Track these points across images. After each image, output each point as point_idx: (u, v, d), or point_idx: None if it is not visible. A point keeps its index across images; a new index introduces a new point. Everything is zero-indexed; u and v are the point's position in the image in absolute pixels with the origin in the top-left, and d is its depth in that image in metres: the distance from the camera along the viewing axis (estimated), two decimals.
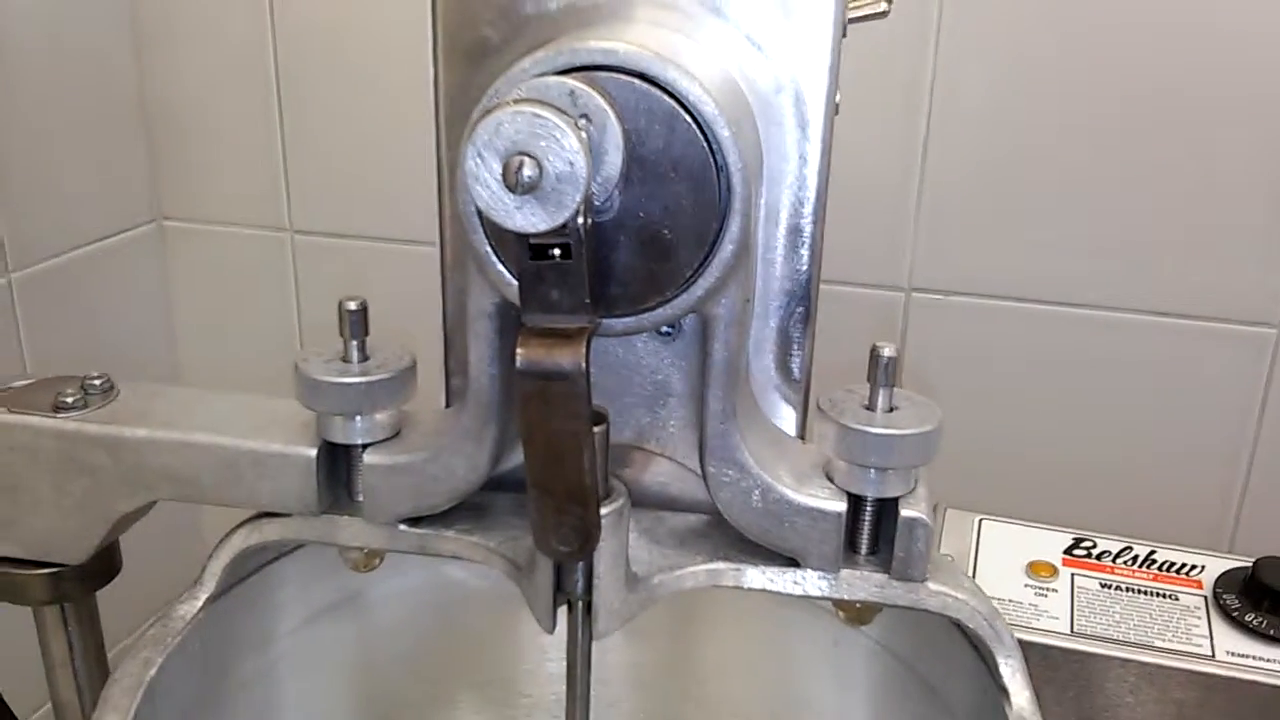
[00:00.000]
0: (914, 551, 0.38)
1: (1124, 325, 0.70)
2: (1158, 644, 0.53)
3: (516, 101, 0.30)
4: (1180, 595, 0.57)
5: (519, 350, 0.32)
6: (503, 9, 0.38)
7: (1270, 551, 0.57)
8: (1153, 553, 0.59)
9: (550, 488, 0.33)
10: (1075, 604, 0.55)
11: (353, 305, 0.40)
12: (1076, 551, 0.59)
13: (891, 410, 0.38)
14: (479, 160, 0.30)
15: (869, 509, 0.39)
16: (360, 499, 0.41)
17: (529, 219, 0.31)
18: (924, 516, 0.37)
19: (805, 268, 0.39)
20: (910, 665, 0.44)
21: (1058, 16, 0.66)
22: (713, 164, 0.33)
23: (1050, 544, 0.60)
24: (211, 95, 0.80)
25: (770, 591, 0.39)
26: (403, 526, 0.41)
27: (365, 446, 0.40)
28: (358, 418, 0.40)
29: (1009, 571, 0.57)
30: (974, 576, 0.54)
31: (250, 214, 0.77)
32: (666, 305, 0.35)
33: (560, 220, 0.30)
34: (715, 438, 0.37)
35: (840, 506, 0.38)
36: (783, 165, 0.39)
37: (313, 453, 0.40)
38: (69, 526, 0.42)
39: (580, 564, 0.37)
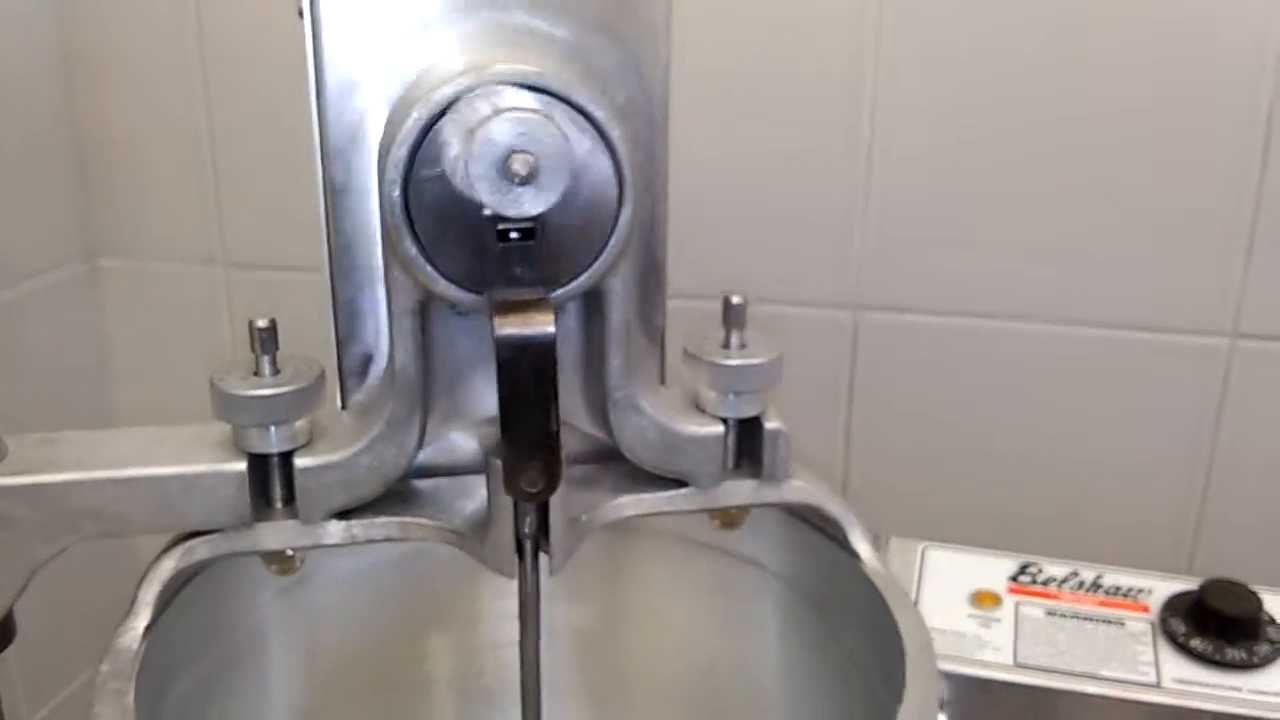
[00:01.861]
0: (778, 457, 0.47)
1: (1076, 339, 0.69)
2: (1103, 673, 0.52)
3: (506, 109, 0.35)
4: (1127, 621, 0.55)
5: (498, 321, 0.38)
6: (364, 44, 0.43)
7: (1232, 570, 0.56)
8: (1099, 576, 0.58)
9: (522, 438, 0.39)
10: (1019, 634, 0.54)
11: (263, 323, 0.43)
12: (1022, 578, 0.58)
13: (744, 346, 0.46)
14: (484, 161, 0.35)
15: (734, 430, 0.47)
16: (279, 505, 0.44)
17: (531, 204, 0.36)
18: (783, 428, 0.46)
19: (658, 238, 0.47)
20: (785, 579, 0.52)
21: (1005, 26, 0.66)
22: (610, 160, 0.40)
23: (995, 571, 0.58)
24: (143, 132, 0.77)
25: (668, 512, 0.46)
26: (333, 521, 0.44)
27: (289, 453, 0.43)
28: (281, 427, 0.43)
29: (952, 602, 0.56)
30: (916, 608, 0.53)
31: (184, 249, 0.73)
32: (574, 282, 0.42)
33: (553, 201, 0.36)
34: (618, 390, 0.44)
35: (720, 430, 0.46)
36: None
37: (243, 466, 0.42)
38: None
39: (532, 511, 0.42)
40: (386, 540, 0.44)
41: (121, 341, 0.84)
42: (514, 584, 0.44)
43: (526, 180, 0.35)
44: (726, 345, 0.46)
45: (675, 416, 0.46)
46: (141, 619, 0.42)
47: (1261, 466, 0.70)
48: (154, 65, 0.75)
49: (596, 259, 0.41)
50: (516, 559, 0.43)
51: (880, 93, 0.67)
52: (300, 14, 0.57)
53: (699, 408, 0.47)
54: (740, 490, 0.47)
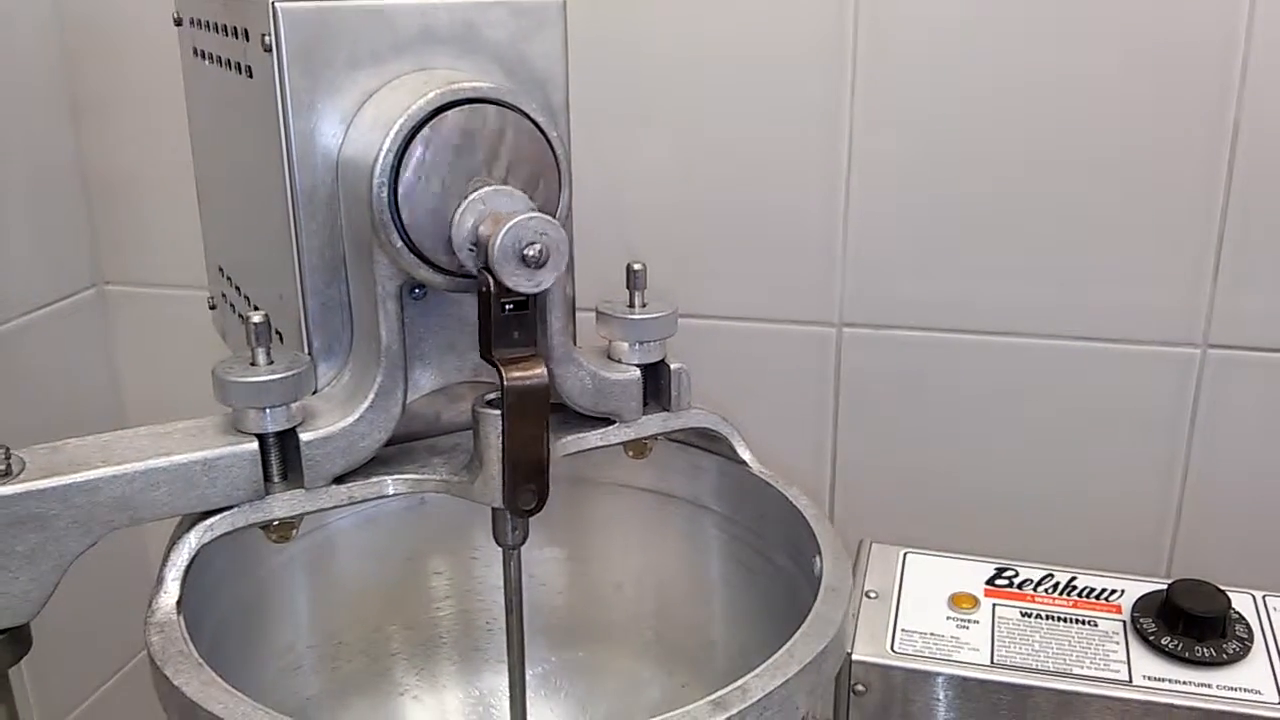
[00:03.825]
0: (683, 390, 0.57)
1: (1051, 351, 0.72)
2: (1076, 671, 0.54)
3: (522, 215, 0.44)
4: (1099, 621, 0.57)
5: (507, 373, 0.46)
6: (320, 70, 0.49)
7: (1208, 573, 0.58)
8: (1073, 579, 0.60)
9: (521, 465, 0.48)
10: (995, 635, 0.56)
11: (257, 318, 0.48)
12: (999, 581, 0.60)
13: (644, 305, 0.57)
14: (508, 251, 0.44)
15: (644, 373, 0.57)
16: (277, 479, 0.50)
17: (538, 282, 0.45)
18: (684, 367, 0.57)
19: (569, 224, 0.56)
20: (721, 513, 0.62)
21: (982, 46, 0.69)
22: (551, 154, 0.49)
23: (973, 575, 0.61)
24: (146, 165, 0.79)
25: (603, 445, 0.56)
26: (333, 486, 0.50)
27: (288, 430, 0.49)
28: (279, 408, 0.48)
29: (931, 605, 0.59)
30: (897, 611, 0.59)
31: (190, 275, 0.70)
32: None
33: (552, 281, 0.45)
34: (559, 348, 0.53)
35: (637, 373, 0.56)
36: None
37: (254, 445, 0.48)
38: (18, 587, 0.45)
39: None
40: (380, 498, 0.51)
41: (130, 363, 0.85)
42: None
43: (537, 264, 0.44)
44: (631, 305, 0.56)
45: (600, 366, 0.55)
46: (171, 595, 0.47)
47: (1234, 471, 0.73)
48: (156, 102, 0.77)
49: None
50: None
51: (858, 119, 0.72)
52: (177, 22, 0.62)
53: (611, 357, 0.57)
54: (653, 422, 0.57)
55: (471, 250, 0.46)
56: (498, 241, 0.44)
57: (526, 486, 0.48)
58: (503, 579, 0.54)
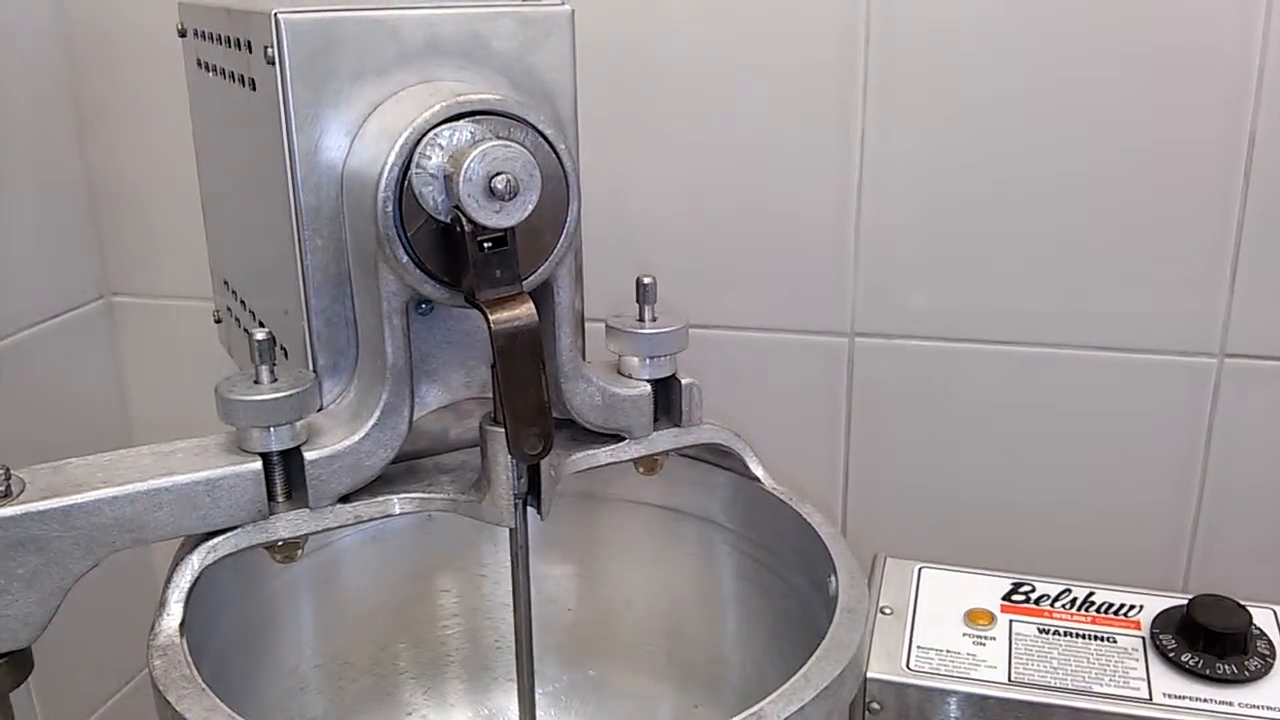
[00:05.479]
0: (694, 405, 0.56)
1: (1067, 362, 0.71)
2: (1095, 689, 0.53)
3: (493, 137, 0.42)
4: (1118, 637, 0.56)
5: (492, 316, 0.45)
6: (324, 83, 0.48)
7: (1226, 586, 0.57)
8: (1091, 594, 0.59)
9: (520, 409, 0.46)
10: (1013, 651, 0.56)
11: (261, 335, 0.47)
12: (1015, 597, 0.59)
13: (655, 319, 0.56)
14: (472, 184, 0.42)
15: (652, 388, 0.56)
16: (281, 499, 0.49)
17: (509, 217, 0.43)
18: (695, 381, 0.56)
19: (579, 237, 0.55)
20: (733, 530, 0.61)
21: (995, 52, 0.68)
22: (559, 166, 0.48)
23: (989, 590, 0.60)
24: (155, 170, 0.81)
25: (613, 462, 0.55)
26: (339, 505, 0.49)
27: (292, 450, 0.48)
28: (284, 427, 0.48)
29: (947, 621, 0.58)
30: (912, 628, 0.58)
31: (197, 286, 0.70)
32: (536, 273, 0.49)
33: (526, 215, 0.44)
34: (569, 364, 0.52)
35: (647, 389, 0.55)
36: None
37: (258, 465, 0.47)
38: (18, 610, 0.44)
39: (525, 472, 0.49)
40: (385, 517, 0.50)
41: (137, 374, 0.85)
42: (506, 539, 0.51)
43: (507, 196, 0.43)
44: (641, 319, 0.55)
45: (610, 381, 0.54)
46: (174, 618, 0.46)
47: (1252, 483, 0.73)
48: (163, 112, 0.77)
49: (554, 250, 0.49)
50: (515, 509, 0.50)
51: (869, 127, 0.71)
52: (181, 33, 0.62)
53: (621, 373, 0.56)
54: (665, 438, 0.56)
55: (441, 196, 0.45)
56: (463, 173, 0.43)
57: (530, 431, 0.46)
58: (510, 557, 0.53)
